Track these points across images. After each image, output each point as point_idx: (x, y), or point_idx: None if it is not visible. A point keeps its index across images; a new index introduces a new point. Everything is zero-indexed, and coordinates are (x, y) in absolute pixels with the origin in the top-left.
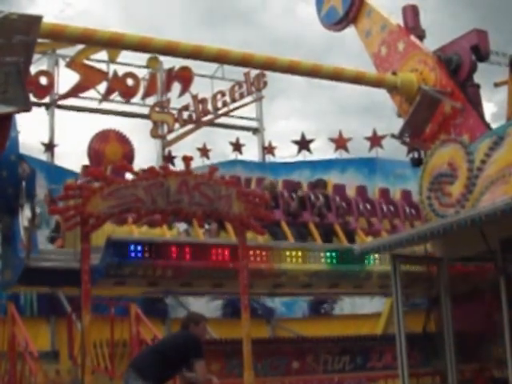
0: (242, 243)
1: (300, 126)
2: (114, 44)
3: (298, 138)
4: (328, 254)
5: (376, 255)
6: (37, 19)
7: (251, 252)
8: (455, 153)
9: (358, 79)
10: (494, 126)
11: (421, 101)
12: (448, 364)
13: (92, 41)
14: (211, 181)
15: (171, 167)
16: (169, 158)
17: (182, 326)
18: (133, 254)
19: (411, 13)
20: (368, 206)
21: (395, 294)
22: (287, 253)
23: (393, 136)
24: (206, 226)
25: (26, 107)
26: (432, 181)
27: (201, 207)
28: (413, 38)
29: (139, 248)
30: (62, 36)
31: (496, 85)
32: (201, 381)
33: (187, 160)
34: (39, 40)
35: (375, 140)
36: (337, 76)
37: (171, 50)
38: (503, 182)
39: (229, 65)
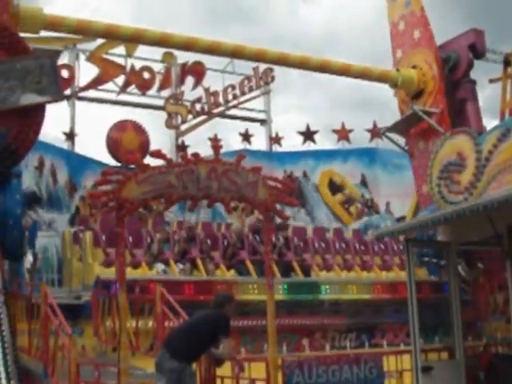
0: (267, 227)
1: (299, 119)
2: (137, 39)
3: (301, 129)
4: (285, 285)
5: (327, 286)
6: (49, 60)
7: (219, 286)
8: (464, 143)
9: (364, 75)
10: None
11: (410, 116)
12: (456, 340)
13: (115, 36)
14: (239, 168)
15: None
16: (182, 147)
17: (217, 305)
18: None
19: None
20: (323, 245)
21: (408, 275)
22: (249, 286)
23: (382, 132)
24: (181, 266)
25: (59, 97)
26: (442, 169)
27: (229, 193)
28: (430, 30)
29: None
30: (87, 31)
31: (491, 81)
32: (227, 357)
33: (216, 148)
34: (60, 34)
35: (375, 131)
36: (344, 71)
37: (190, 46)
38: (510, 172)
39: (244, 60)
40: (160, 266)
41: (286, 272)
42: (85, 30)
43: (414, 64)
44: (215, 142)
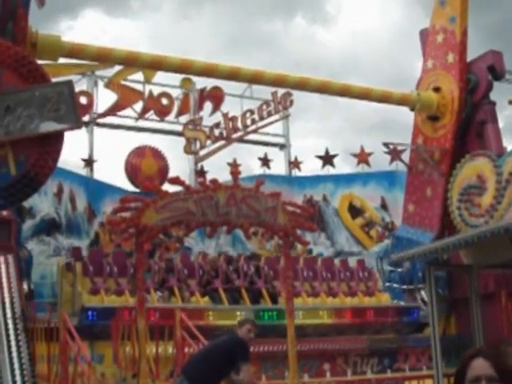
0: (287, 254)
1: (318, 142)
2: (158, 66)
3: (320, 153)
4: (262, 313)
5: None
6: (67, 88)
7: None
8: (484, 166)
9: (384, 98)
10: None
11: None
12: None
13: (136, 63)
14: (258, 193)
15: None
16: (201, 173)
17: (229, 330)
18: (94, 317)
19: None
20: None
21: (429, 299)
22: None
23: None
24: (159, 294)
25: (77, 125)
26: (462, 192)
27: (248, 219)
28: (464, 60)
29: (98, 312)
30: (108, 59)
31: (511, 102)
32: None
33: (235, 174)
34: (79, 61)
35: (395, 154)
36: (364, 95)
37: (210, 72)
38: None
39: (264, 85)
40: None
41: (255, 299)
42: (106, 58)
43: (439, 86)
44: (234, 168)
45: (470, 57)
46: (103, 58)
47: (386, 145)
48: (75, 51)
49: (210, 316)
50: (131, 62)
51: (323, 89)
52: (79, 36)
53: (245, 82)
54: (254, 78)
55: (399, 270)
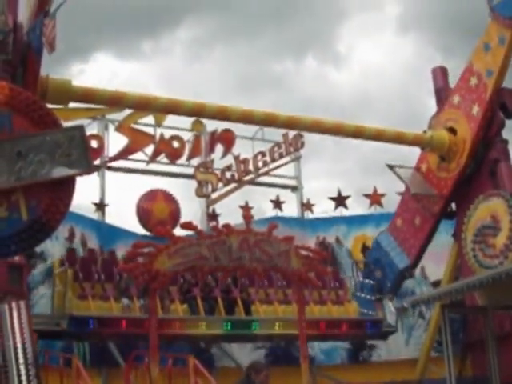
0: (300, 299)
1: (331, 184)
2: (171, 110)
3: (332, 195)
4: (224, 323)
5: (257, 323)
6: (78, 133)
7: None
8: (498, 206)
9: (398, 139)
10: None
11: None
12: None
13: (149, 107)
14: (270, 237)
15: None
16: (213, 216)
17: (245, 375)
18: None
19: (440, 74)
20: (266, 282)
21: (445, 342)
22: (198, 322)
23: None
24: (142, 302)
25: (89, 170)
26: (476, 233)
27: (261, 263)
28: (487, 118)
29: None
30: (121, 103)
31: None
32: None
33: (247, 218)
34: (90, 105)
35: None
36: (378, 136)
37: (223, 116)
38: None
39: (277, 128)
40: (125, 301)
41: (230, 308)
42: (119, 102)
43: (455, 128)
44: (246, 212)
45: None
46: (116, 102)
47: (390, 167)
48: (87, 96)
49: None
50: (144, 106)
51: (336, 131)
52: (91, 79)
53: (258, 124)
54: (267, 121)
55: (371, 281)
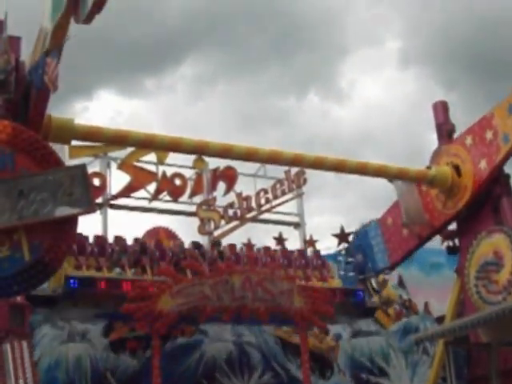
0: (304, 338)
1: (334, 220)
2: (174, 148)
3: (335, 230)
4: None
5: None
6: (80, 172)
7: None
8: (500, 242)
9: (401, 175)
10: None
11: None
12: None
13: (153, 146)
14: (273, 276)
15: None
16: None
17: None
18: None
19: (441, 109)
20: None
21: (449, 378)
22: None
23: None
24: (133, 271)
25: (91, 209)
26: (479, 269)
27: (264, 303)
28: (493, 175)
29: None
30: (125, 142)
31: None
32: None
33: (251, 258)
34: (92, 144)
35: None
36: (381, 173)
37: (227, 153)
38: None
39: (280, 165)
40: (117, 269)
41: None
42: (122, 141)
43: (461, 169)
44: (248, 251)
45: None
46: (120, 141)
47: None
48: (90, 135)
49: None
50: (148, 144)
51: (339, 167)
52: (94, 116)
53: (261, 162)
54: (271, 159)
55: (352, 260)
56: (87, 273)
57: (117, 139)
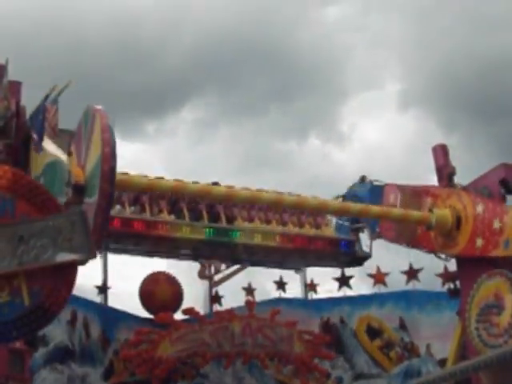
0: (305, 383)
1: None
2: (177, 193)
3: (336, 275)
4: (207, 229)
5: (240, 232)
6: (80, 218)
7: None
8: (501, 285)
9: (403, 218)
10: None
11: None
12: None
13: (156, 190)
14: (273, 323)
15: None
16: (216, 298)
17: None
18: None
19: (441, 152)
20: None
21: None
22: (183, 226)
23: None
24: (132, 209)
25: (91, 255)
26: (479, 312)
27: (264, 349)
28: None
29: None
30: (128, 187)
31: None
32: None
33: (250, 304)
34: None
35: (411, 273)
36: (384, 215)
37: (230, 198)
38: None
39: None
40: (117, 207)
41: (214, 221)
42: (126, 186)
43: (461, 222)
44: (249, 293)
45: (480, 168)
46: (124, 186)
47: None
48: None
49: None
50: (151, 189)
51: (342, 211)
52: None
53: (265, 205)
54: (275, 203)
55: None
56: None
57: (121, 186)
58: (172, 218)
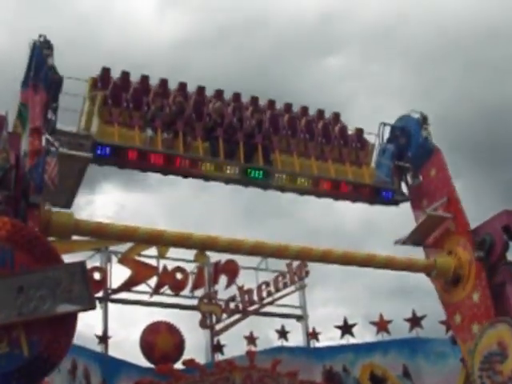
0: None
1: (337, 311)
2: (181, 244)
3: (339, 322)
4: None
5: (278, 174)
6: (79, 269)
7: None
8: (504, 333)
9: (408, 267)
10: None
11: (425, 222)
12: None
13: (159, 241)
14: (274, 373)
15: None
16: (217, 347)
17: None
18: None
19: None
20: (289, 132)
21: None
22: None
23: (396, 242)
24: (165, 135)
25: (91, 306)
26: (483, 360)
27: None
28: None
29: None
30: (132, 238)
31: None
32: None
33: (251, 355)
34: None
35: (414, 321)
36: (388, 264)
37: (234, 249)
38: None
39: (287, 259)
40: (149, 132)
41: (250, 153)
42: (129, 237)
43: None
44: (251, 342)
45: (484, 215)
46: (127, 237)
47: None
48: (99, 231)
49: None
50: (154, 240)
51: (347, 260)
52: (98, 210)
53: (268, 256)
54: (278, 252)
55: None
56: (117, 141)
57: (124, 235)
58: (206, 147)
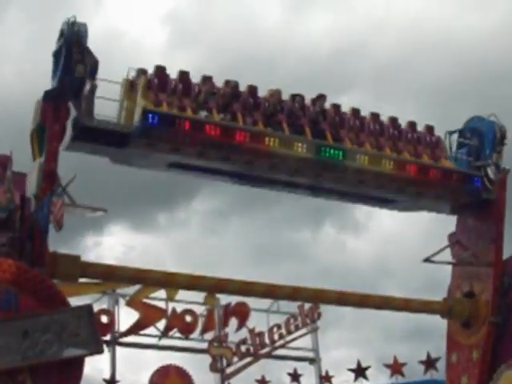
0: None
1: (350, 353)
2: (193, 287)
3: (352, 365)
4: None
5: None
6: (86, 312)
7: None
8: None
9: (424, 309)
10: None
11: None
12: None
13: (171, 284)
14: None
15: None
16: None
17: None
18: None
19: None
20: (357, 123)
21: None
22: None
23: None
24: (222, 116)
25: (98, 350)
26: None
27: None
28: None
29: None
30: (143, 281)
31: None
32: None
33: None
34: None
35: (429, 363)
36: (404, 307)
37: (246, 292)
38: None
39: (300, 301)
40: (203, 113)
41: (318, 137)
42: (140, 280)
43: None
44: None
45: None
46: (138, 280)
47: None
48: (108, 274)
49: (271, 142)
50: (166, 283)
51: (362, 303)
52: (106, 251)
53: (281, 299)
54: (291, 296)
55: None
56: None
57: (135, 278)
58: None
